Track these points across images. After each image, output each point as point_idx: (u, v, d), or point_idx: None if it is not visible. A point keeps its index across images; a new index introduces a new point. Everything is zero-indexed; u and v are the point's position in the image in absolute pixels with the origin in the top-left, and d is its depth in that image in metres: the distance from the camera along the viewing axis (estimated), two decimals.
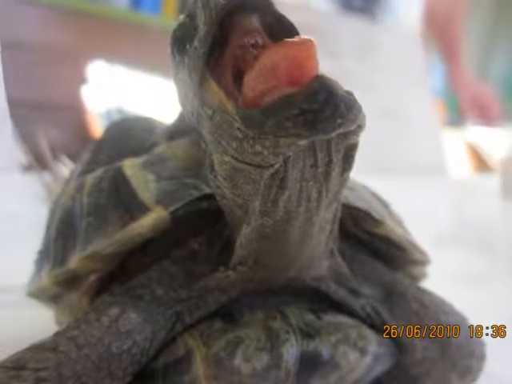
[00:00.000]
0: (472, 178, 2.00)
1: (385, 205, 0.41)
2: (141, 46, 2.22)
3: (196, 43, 0.25)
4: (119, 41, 2.24)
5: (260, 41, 0.24)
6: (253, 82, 0.22)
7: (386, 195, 0.42)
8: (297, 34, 0.24)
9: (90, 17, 2.20)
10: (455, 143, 2.28)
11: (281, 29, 0.24)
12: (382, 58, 1.33)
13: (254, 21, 0.24)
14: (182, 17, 0.27)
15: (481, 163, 2.21)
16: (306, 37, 0.22)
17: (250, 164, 0.24)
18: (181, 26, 0.26)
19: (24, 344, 0.29)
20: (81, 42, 2.18)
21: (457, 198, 1.04)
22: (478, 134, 2.10)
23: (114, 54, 2.22)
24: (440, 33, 1.57)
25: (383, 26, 1.32)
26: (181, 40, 0.26)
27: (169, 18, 2.34)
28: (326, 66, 0.22)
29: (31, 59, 2.07)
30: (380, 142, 1.17)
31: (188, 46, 0.25)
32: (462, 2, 1.58)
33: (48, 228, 0.40)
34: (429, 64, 1.68)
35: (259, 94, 0.22)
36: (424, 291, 0.38)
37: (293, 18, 0.24)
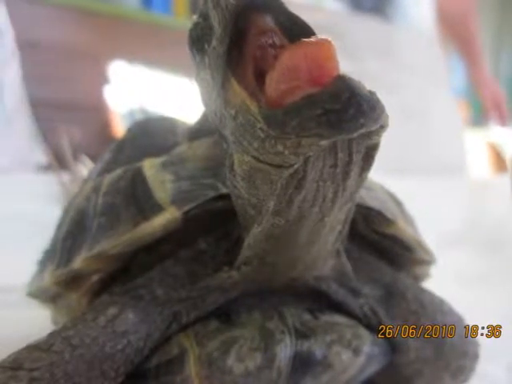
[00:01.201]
0: (490, 178, 1.97)
1: (398, 204, 0.41)
2: (155, 45, 2.23)
3: (214, 43, 0.25)
4: (134, 41, 2.25)
5: (277, 41, 0.24)
6: (275, 82, 0.22)
7: (401, 194, 0.42)
8: (313, 33, 0.23)
9: (103, 16, 2.22)
10: (477, 143, 2.25)
11: (296, 29, 0.24)
12: (402, 58, 1.32)
13: (269, 21, 0.24)
14: (195, 17, 0.27)
15: (501, 163, 2.18)
16: (324, 37, 0.22)
17: (270, 164, 0.24)
18: (196, 26, 0.26)
19: (24, 344, 0.30)
20: (99, 41, 2.19)
21: (472, 197, 1.03)
22: (499, 134, 2.07)
23: (132, 54, 2.23)
24: (455, 32, 1.55)
25: (398, 25, 1.31)
26: (198, 40, 0.26)
27: (181, 18, 2.34)
28: (345, 67, 0.22)
29: (51, 59, 2.08)
30: (401, 141, 1.16)
31: (206, 46, 0.25)
32: (473, 1, 1.57)
33: (58, 228, 0.40)
34: (449, 64, 1.67)
35: (282, 94, 0.22)
36: (424, 291, 0.38)
37: (304, 17, 0.24)
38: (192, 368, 0.31)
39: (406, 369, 0.36)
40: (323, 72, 0.21)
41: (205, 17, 0.25)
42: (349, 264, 0.35)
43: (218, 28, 0.24)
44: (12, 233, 0.65)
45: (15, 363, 0.28)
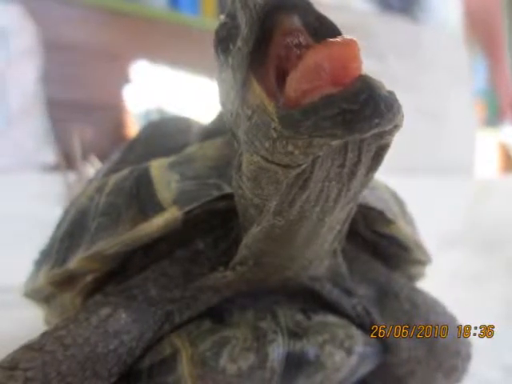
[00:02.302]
0: (496, 178, 1.96)
1: (400, 204, 0.41)
2: (181, 46, 2.23)
3: (239, 43, 0.24)
4: (160, 41, 2.26)
5: (303, 41, 0.23)
6: (296, 83, 0.22)
7: (406, 194, 0.42)
8: (339, 34, 0.23)
9: (130, 17, 2.23)
10: (489, 143, 2.24)
11: (322, 29, 0.24)
12: (425, 58, 1.32)
13: (296, 21, 0.23)
14: (222, 17, 0.27)
15: (510, 164, 2.17)
16: (350, 37, 0.22)
17: (278, 164, 0.23)
18: (222, 26, 0.26)
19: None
20: (124, 42, 2.20)
21: (476, 197, 1.02)
22: (511, 134, 2.06)
23: (155, 54, 2.23)
24: (480, 30, 1.54)
25: (425, 25, 1.31)
26: (224, 40, 0.26)
27: (208, 19, 2.34)
28: (370, 67, 0.22)
29: (75, 60, 2.10)
30: (413, 141, 1.16)
31: (231, 46, 0.25)
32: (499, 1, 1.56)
33: (57, 228, 0.40)
34: (472, 64, 1.66)
35: (301, 94, 0.21)
36: (418, 291, 0.38)
37: (332, 18, 0.24)
38: (185, 368, 0.31)
39: (398, 369, 0.36)
40: (346, 72, 0.21)
41: (232, 17, 0.25)
42: (344, 264, 0.35)
43: (244, 28, 0.24)
44: (12, 233, 0.66)
45: (12, 363, 0.28)
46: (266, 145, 0.23)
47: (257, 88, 0.24)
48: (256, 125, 0.24)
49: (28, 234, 0.45)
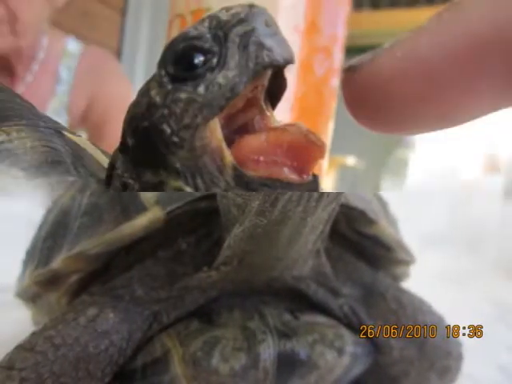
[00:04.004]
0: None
1: (383, 204, 0.41)
2: None
3: (221, 80, 0.21)
4: None
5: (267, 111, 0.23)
6: (250, 151, 0.22)
7: (391, 193, 0.42)
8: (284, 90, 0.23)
9: None
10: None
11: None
12: None
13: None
14: (201, 28, 0.22)
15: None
16: (319, 139, 0.21)
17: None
18: (199, 39, 0.22)
19: None
20: None
21: (461, 197, 1.03)
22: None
23: None
24: None
25: None
26: (187, 57, 0.22)
27: None
28: None
29: None
30: None
31: (200, 71, 0.22)
32: None
33: (40, 228, 0.40)
34: None
35: (255, 160, 0.21)
36: (404, 291, 0.38)
37: None
38: (177, 368, 0.31)
39: (391, 369, 0.36)
40: (305, 158, 0.21)
41: (217, 40, 0.22)
42: (328, 264, 0.35)
43: (233, 69, 0.21)
44: (9, 232, 0.65)
45: (10, 363, 0.29)
46: (219, 184, 0.22)
47: (218, 132, 0.22)
48: (203, 163, 0.22)
49: (25, 234, 0.44)
